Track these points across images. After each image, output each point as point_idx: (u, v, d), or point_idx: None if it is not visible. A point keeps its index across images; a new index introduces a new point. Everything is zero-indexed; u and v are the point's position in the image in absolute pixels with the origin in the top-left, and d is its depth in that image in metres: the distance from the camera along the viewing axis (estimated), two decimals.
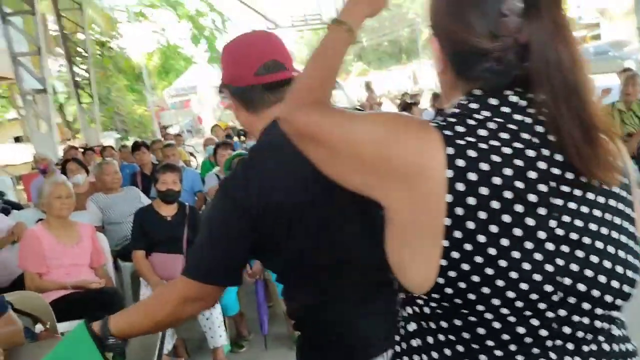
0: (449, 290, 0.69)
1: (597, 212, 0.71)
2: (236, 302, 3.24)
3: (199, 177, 5.22)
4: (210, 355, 3.12)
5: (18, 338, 1.78)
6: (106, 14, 17.96)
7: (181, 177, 3.52)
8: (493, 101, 0.73)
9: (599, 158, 0.69)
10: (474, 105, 0.74)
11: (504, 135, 0.70)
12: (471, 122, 0.71)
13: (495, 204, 0.67)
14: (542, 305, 0.68)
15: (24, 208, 5.73)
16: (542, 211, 0.68)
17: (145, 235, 3.33)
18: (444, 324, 0.73)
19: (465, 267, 0.68)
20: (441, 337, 0.74)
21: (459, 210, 0.67)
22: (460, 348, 0.73)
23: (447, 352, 0.73)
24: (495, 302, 0.68)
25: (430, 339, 0.76)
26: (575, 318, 0.70)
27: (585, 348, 0.72)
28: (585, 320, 0.71)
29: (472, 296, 0.68)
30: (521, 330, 0.69)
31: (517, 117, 0.72)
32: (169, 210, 3.42)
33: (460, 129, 0.71)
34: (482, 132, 0.70)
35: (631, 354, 0.76)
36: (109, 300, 2.99)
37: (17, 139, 18.33)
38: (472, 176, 0.67)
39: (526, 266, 0.67)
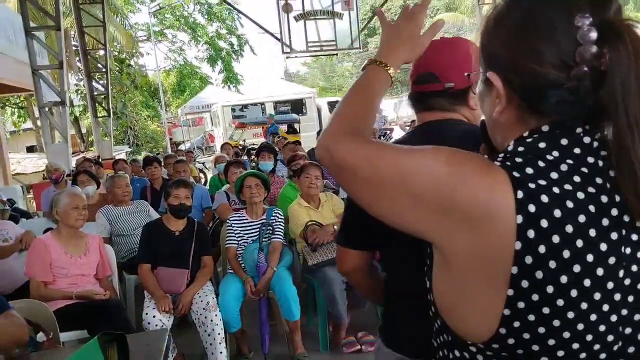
0: (511, 341, 0.66)
1: None
2: (238, 318, 3.24)
3: (207, 193, 5.27)
4: None
5: (22, 334, 1.77)
6: (127, 32, 18.35)
7: (192, 192, 3.57)
8: (564, 141, 0.69)
9: None
10: (542, 145, 0.69)
11: (577, 179, 0.66)
12: (541, 163, 0.67)
13: (566, 253, 0.64)
14: (602, 356, 0.67)
15: (32, 217, 5.80)
16: (612, 260, 0.65)
17: (152, 249, 3.36)
18: None
19: (531, 317, 0.65)
20: None
21: (528, 259, 0.64)
22: None
23: None
24: (560, 353, 0.66)
25: None
26: None
27: None
28: None
29: (535, 347, 0.66)
30: None
31: (590, 159, 0.68)
32: (178, 225, 3.45)
33: (530, 170, 0.66)
34: (554, 175, 0.66)
35: None
36: (112, 311, 3.00)
37: (30, 149, 18.63)
38: (544, 223, 0.63)
39: (593, 317, 0.65)
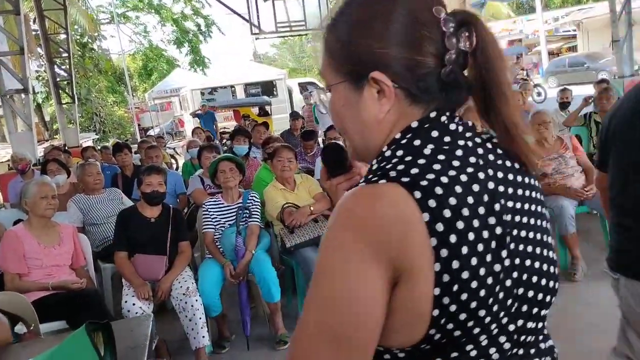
0: (438, 337, 0.68)
1: (532, 220, 0.76)
2: (219, 302, 3.26)
3: (181, 179, 5.22)
4: (191, 356, 3.13)
5: (5, 334, 1.78)
6: (89, 15, 17.76)
7: (166, 179, 3.54)
8: (434, 133, 0.73)
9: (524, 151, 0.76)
10: (417, 142, 0.73)
11: (456, 163, 0.71)
12: (431, 174, 0.68)
13: (471, 237, 0.67)
14: (504, 320, 0.71)
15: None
16: (499, 230, 0.70)
17: (128, 236, 3.33)
18: None
19: (453, 308, 0.67)
20: None
21: (444, 252, 0.66)
22: None
23: None
24: (482, 338, 0.70)
25: None
26: (529, 324, 0.75)
27: (532, 351, 0.77)
28: (532, 325, 0.76)
29: (459, 334, 0.69)
30: (492, 350, 0.72)
31: (461, 142, 0.74)
32: (153, 212, 3.42)
33: (429, 176, 0.68)
34: (440, 167, 0.70)
35: (552, 348, 0.82)
36: (89, 301, 2.98)
37: None
38: (453, 238, 0.66)
39: (498, 290, 0.69)
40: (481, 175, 0.71)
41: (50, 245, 3.15)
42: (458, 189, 0.68)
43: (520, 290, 0.73)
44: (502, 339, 0.72)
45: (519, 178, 0.76)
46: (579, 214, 3.73)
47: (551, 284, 0.77)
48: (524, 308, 0.74)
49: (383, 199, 0.66)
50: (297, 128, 7.88)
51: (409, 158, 0.71)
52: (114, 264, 3.42)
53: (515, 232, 0.72)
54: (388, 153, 0.74)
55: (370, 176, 0.71)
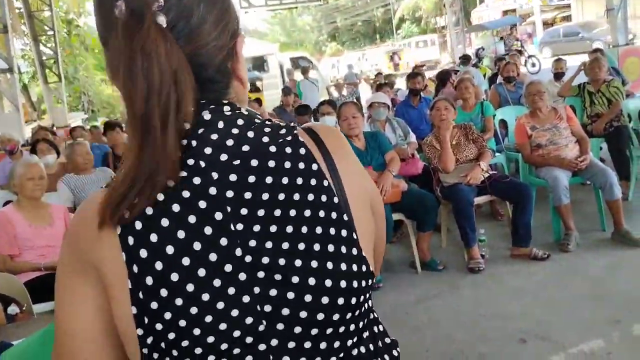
0: (155, 356, 0.62)
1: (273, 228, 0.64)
2: None
3: None
4: None
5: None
6: None
7: None
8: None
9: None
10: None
11: None
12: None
13: (169, 249, 0.61)
14: (249, 339, 0.62)
15: None
16: (223, 242, 0.62)
17: None
18: None
19: (159, 327, 0.61)
20: None
21: (134, 267, 0.61)
22: None
23: None
24: (198, 351, 0.62)
25: None
26: (291, 344, 0.64)
27: None
28: (307, 345, 0.65)
29: (175, 353, 0.62)
30: None
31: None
32: None
33: None
34: None
35: (376, 353, 0.73)
36: None
37: None
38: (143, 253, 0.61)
39: (220, 305, 0.61)
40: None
41: (41, 225, 3.11)
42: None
43: (267, 308, 0.63)
44: (249, 358, 0.63)
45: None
46: (572, 185, 3.73)
47: (325, 299, 0.64)
48: (280, 327, 0.64)
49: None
50: (288, 104, 7.80)
51: None
52: None
53: (252, 242, 0.63)
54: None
55: None
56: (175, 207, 0.62)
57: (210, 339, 0.61)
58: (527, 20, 26.41)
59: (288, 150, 0.67)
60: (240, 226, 0.63)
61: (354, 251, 0.66)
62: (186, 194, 0.62)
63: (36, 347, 1.38)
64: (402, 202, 3.53)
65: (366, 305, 0.70)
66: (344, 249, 0.66)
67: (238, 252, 0.63)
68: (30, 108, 17.74)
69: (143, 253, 0.61)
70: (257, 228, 0.63)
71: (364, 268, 0.67)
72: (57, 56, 11.75)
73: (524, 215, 3.51)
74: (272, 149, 0.66)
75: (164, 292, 0.60)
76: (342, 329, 0.67)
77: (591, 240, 3.65)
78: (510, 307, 2.92)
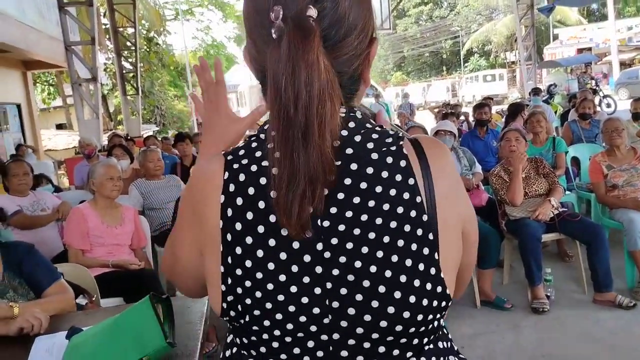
0: (232, 314, 0.70)
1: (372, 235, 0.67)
2: None
3: None
4: None
5: (71, 302, 1.85)
6: (156, 11, 18.46)
7: None
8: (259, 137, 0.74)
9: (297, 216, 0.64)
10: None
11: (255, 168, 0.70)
12: (243, 150, 0.72)
13: (260, 229, 0.67)
14: (313, 328, 0.67)
15: (62, 191, 5.95)
16: (308, 234, 0.66)
17: None
18: (238, 341, 0.75)
19: (239, 290, 0.68)
20: (235, 350, 0.77)
21: (228, 236, 0.68)
22: None
23: None
24: (266, 323, 0.68)
25: (228, 352, 0.79)
26: (351, 341, 0.68)
27: None
28: (366, 345, 0.68)
29: (247, 318, 0.69)
30: (297, 350, 0.69)
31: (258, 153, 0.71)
32: None
33: (240, 152, 0.72)
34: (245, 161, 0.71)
35: None
36: (146, 281, 3.06)
37: (60, 126, 19.04)
38: (239, 201, 0.68)
39: (293, 289, 0.67)
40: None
41: (113, 225, 3.26)
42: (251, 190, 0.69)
43: (335, 304, 0.67)
44: (310, 343, 0.69)
45: None
46: None
47: (391, 309, 0.66)
48: (343, 324, 0.67)
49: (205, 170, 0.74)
50: None
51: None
52: None
53: (334, 240, 0.66)
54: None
55: None
56: (273, 194, 0.65)
57: (279, 316, 0.67)
58: (603, 60, 25.43)
59: (389, 160, 0.68)
60: (326, 223, 0.67)
61: (432, 270, 0.67)
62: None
63: (103, 336, 1.43)
64: None
65: (435, 323, 0.70)
66: (421, 266, 0.66)
67: (319, 246, 0.66)
68: (107, 118, 18.85)
69: (238, 226, 0.68)
70: (341, 228, 0.66)
71: (439, 289, 0.67)
72: (136, 70, 12.50)
73: (601, 257, 3.27)
74: (374, 156, 0.68)
75: (248, 263, 0.67)
76: (403, 340, 0.68)
77: None
78: (575, 352, 2.75)
